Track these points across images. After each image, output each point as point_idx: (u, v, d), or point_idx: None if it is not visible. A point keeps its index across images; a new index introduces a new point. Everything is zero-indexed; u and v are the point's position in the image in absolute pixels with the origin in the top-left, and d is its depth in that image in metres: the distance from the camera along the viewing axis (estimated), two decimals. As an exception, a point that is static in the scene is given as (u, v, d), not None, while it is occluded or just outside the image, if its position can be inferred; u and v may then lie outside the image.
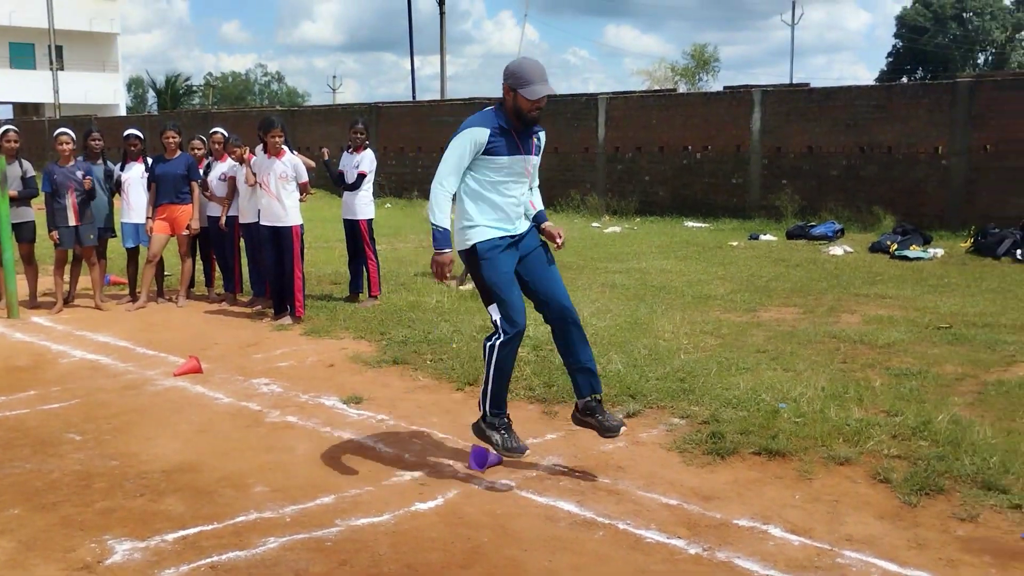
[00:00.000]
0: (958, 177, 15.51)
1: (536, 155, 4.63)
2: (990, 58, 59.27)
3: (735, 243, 14.74)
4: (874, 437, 4.97)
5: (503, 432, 4.60)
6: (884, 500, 4.29)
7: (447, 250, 4.50)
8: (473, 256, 4.52)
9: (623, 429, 4.71)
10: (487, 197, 4.50)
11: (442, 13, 36.14)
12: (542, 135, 4.69)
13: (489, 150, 4.45)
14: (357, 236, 9.26)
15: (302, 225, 8.50)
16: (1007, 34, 58.47)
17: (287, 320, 8.40)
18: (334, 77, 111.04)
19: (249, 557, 3.75)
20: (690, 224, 17.69)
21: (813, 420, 5.24)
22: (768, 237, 15.30)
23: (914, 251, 12.89)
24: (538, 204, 4.78)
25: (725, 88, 19.15)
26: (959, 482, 4.40)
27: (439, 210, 4.45)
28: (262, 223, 8.46)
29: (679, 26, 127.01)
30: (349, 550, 3.79)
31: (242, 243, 9.55)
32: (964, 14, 58.14)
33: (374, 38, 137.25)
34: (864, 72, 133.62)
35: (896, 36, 61.42)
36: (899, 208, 15.93)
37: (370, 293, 9.20)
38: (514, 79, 4.43)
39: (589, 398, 4.68)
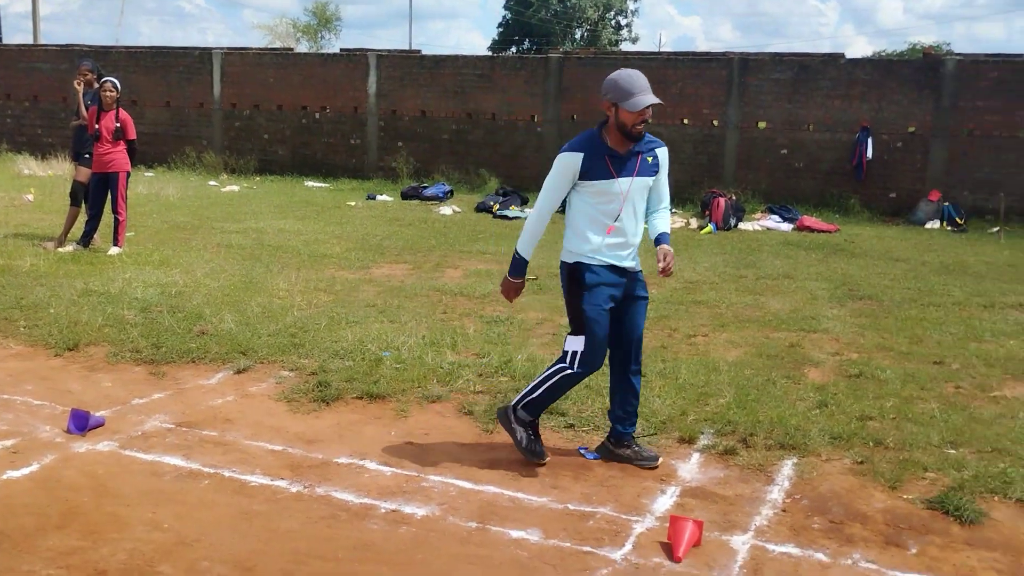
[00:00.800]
0: (550, 144, 17.22)
1: (645, 176, 4.33)
2: (585, 34, 65.21)
3: (353, 203, 15.19)
4: (463, 376, 5.60)
5: (530, 433, 4.47)
6: (467, 430, 4.89)
7: (520, 279, 4.46)
8: (574, 278, 4.37)
9: (660, 460, 4.52)
10: (590, 221, 4.33)
11: (32, -55, 32.45)
12: (660, 152, 4.40)
13: (584, 174, 4.28)
14: (-70, 194, 8.32)
15: None
16: (599, 13, 64.63)
17: None
18: None
19: None
20: (310, 184, 17.87)
21: (412, 365, 5.76)
22: (384, 197, 15.95)
23: (513, 211, 14.20)
24: (661, 227, 4.48)
25: (342, 50, 19.47)
26: (529, 409, 5.12)
27: (526, 238, 4.42)
28: None
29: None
30: (-72, 526, 3.60)
31: None
32: (564, -9, 63.23)
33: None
34: (480, 39, 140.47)
35: (505, 8, 65.23)
36: (501, 171, 17.38)
37: (-51, 257, 8.33)
38: (614, 92, 4.21)
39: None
